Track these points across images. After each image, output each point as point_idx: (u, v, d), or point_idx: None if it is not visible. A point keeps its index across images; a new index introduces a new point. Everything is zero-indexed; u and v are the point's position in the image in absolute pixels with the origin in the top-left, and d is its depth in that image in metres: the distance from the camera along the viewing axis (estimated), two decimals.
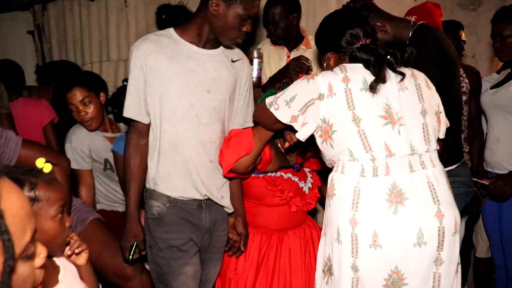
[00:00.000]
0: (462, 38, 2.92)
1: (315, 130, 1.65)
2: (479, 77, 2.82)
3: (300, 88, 1.65)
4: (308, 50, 2.74)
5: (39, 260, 0.82)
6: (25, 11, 3.99)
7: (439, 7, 2.58)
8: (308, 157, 2.18)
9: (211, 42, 1.85)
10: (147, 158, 1.87)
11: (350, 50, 1.68)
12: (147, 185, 1.91)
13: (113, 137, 2.59)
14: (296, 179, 2.11)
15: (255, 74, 2.25)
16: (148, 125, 1.86)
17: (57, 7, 3.83)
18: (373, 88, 1.58)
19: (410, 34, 2.07)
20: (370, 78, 1.60)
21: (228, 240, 2.02)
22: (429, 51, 1.98)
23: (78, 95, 2.42)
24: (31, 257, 0.79)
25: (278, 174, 2.07)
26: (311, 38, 2.76)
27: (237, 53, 1.94)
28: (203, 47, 1.84)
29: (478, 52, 3.43)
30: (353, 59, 1.66)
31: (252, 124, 1.98)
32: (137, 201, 1.89)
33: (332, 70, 1.66)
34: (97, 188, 2.60)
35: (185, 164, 1.83)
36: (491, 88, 2.57)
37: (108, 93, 2.65)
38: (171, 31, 1.85)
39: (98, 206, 2.56)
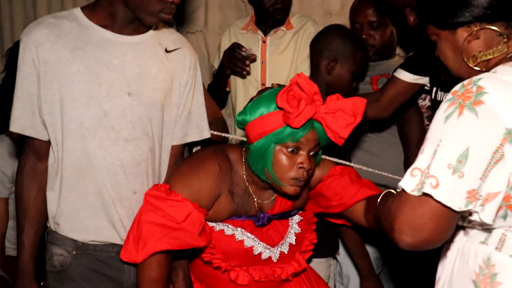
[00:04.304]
0: None
1: None
2: None
3: (466, 131, 0.89)
4: (288, 32, 2.24)
5: None
6: None
7: None
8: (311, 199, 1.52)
9: (132, 25, 1.34)
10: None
11: None
12: (48, 225, 1.40)
13: None
14: (251, 240, 1.44)
15: None
16: (48, 143, 1.35)
17: None
18: None
19: None
20: None
21: None
22: None
23: None
24: None
25: (221, 226, 1.45)
26: (291, 15, 2.27)
27: (174, 39, 1.43)
28: (120, 32, 1.34)
29: None
30: None
31: (194, 138, 1.47)
32: (33, 248, 1.38)
33: (490, 71, 0.97)
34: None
35: (99, 196, 1.33)
36: None
37: None
38: (76, 11, 1.34)
39: (6, 251, 2.08)
